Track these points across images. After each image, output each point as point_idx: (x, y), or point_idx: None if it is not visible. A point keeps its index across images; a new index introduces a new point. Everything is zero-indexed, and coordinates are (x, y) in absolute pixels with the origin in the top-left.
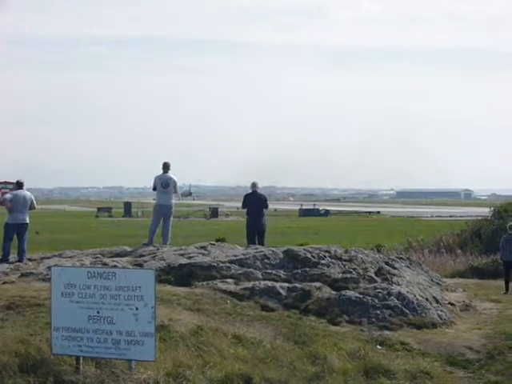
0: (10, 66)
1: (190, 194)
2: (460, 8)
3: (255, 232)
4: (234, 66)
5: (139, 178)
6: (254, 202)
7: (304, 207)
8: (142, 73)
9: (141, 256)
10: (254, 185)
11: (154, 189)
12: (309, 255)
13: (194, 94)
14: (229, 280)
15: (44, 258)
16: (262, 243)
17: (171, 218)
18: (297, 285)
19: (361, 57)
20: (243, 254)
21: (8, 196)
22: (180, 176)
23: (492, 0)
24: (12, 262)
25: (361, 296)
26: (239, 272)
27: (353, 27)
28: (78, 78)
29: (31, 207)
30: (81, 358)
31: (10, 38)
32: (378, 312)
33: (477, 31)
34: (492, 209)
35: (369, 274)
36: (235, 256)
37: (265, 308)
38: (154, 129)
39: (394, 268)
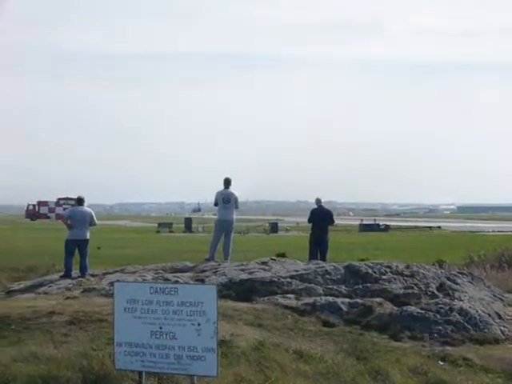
0: (63, 81)
1: (199, 210)
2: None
3: (318, 247)
4: (287, 80)
5: (200, 194)
6: (320, 217)
7: (364, 222)
8: (189, 87)
9: (202, 271)
10: (318, 200)
11: (216, 204)
12: (370, 270)
13: (244, 107)
14: (290, 295)
15: (106, 273)
16: (324, 259)
17: (232, 234)
18: (358, 300)
19: (415, 70)
20: (304, 270)
21: (66, 213)
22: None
23: None
24: (74, 278)
25: (423, 312)
26: (300, 287)
27: (406, 40)
28: (128, 92)
29: (91, 223)
30: (143, 373)
31: (61, 53)
32: (440, 327)
33: None
34: None
35: (430, 289)
36: (296, 271)
37: (326, 323)
38: (212, 143)
39: (456, 283)
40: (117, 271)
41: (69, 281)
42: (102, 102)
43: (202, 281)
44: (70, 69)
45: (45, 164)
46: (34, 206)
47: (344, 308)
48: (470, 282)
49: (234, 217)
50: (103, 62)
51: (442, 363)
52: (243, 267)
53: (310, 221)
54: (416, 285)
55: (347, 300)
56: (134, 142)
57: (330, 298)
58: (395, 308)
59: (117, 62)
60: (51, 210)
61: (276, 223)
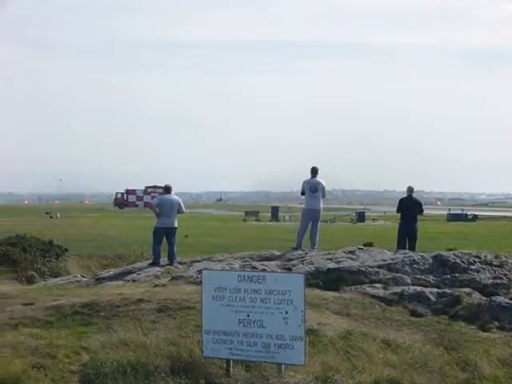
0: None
1: (221, 199)
2: None
3: (407, 237)
4: (370, 68)
5: (286, 183)
6: (409, 206)
7: (452, 212)
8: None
9: (289, 260)
10: (410, 189)
11: (303, 193)
12: (458, 260)
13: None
14: (377, 285)
15: (194, 261)
16: (412, 248)
17: (319, 223)
18: (446, 290)
19: (502, 57)
20: (392, 259)
21: (155, 201)
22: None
23: None
24: (163, 266)
25: (511, 302)
26: (388, 277)
27: (495, 28)
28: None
29: (179, 211)
30: (231, 361)
31: (136, 42)
32: None
33: None
34: None
35: None
36: (384, 261)
37: (414, 313)
38: (296, 132)
39: None
40: (204, 259)
41: (157, 268)
42: (179, 91)
43: (289, 269)
44: (133, 57)
45: (130, 152)
46: (122, 194)
47: (432, 298)
48: None
49: (321, 206)
50: (168, 49)
51: None
52: (330, 256)
53: (398, 210)
54: (505, 275)
55: (435, 290)
56: (219, 131)
57: (418, 288)
58: (484, 298)
59: (181, 50)
60: (139, 199)
61: (363, 212)
